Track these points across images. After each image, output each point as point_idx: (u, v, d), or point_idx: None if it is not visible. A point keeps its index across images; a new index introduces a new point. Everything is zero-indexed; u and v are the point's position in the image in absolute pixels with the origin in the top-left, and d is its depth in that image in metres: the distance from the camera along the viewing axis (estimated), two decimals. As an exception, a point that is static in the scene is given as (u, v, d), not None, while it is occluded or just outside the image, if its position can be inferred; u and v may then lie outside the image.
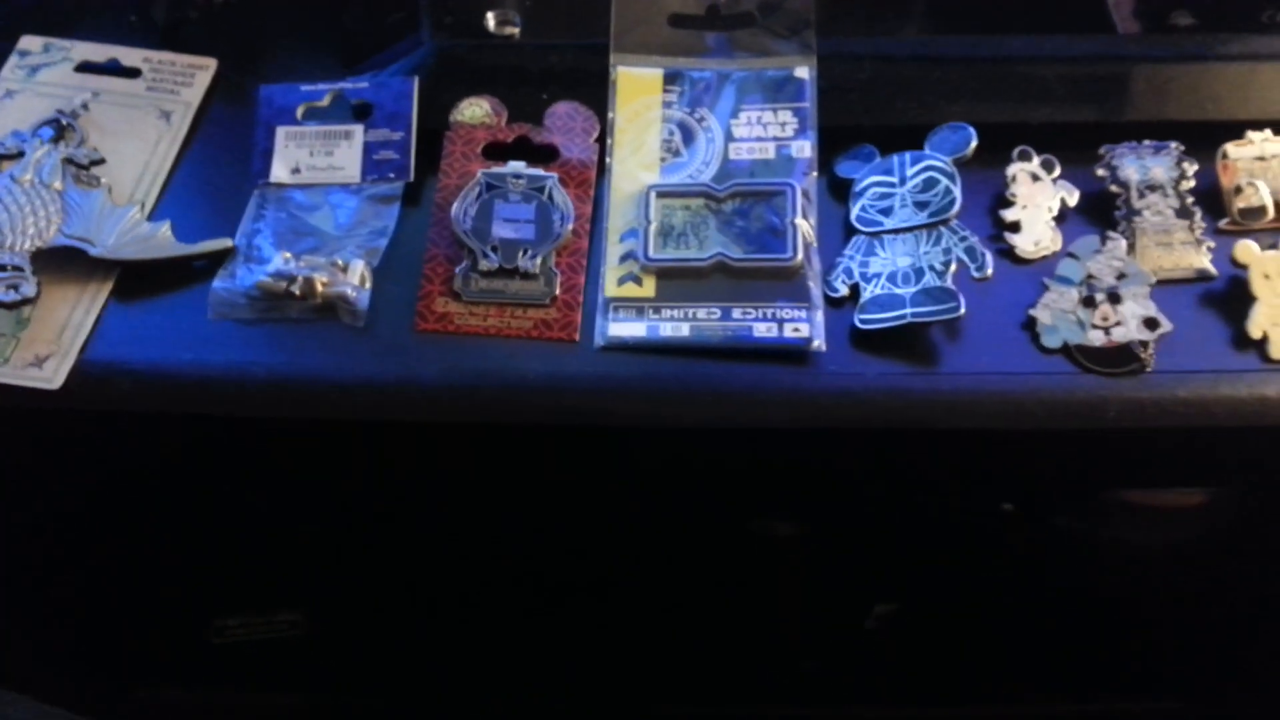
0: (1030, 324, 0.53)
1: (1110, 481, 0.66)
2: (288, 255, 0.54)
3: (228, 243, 0.55)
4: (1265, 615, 0.76)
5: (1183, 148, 0.57)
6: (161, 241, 0.55)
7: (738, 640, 0.84)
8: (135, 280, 0.54)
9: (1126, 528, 0.76)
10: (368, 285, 0.54)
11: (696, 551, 0.77)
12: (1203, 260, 0.54)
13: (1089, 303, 0.52)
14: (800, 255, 0.53)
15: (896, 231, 0.54)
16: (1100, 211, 0.56)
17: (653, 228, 0.55)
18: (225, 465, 0.61)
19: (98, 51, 0.62)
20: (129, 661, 0.81)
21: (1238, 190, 0.55)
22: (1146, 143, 0.57)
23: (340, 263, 0.54)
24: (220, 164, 0.59)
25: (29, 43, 0.62)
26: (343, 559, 0.79)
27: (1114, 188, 0.56)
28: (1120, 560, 0.78)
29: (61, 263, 0.54)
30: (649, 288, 0.54)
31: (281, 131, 0.58)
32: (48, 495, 0.69)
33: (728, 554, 0.78)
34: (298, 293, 0.53)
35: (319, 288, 0.53)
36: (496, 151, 0.58)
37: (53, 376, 0.51)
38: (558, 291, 0.54)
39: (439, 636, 0.82)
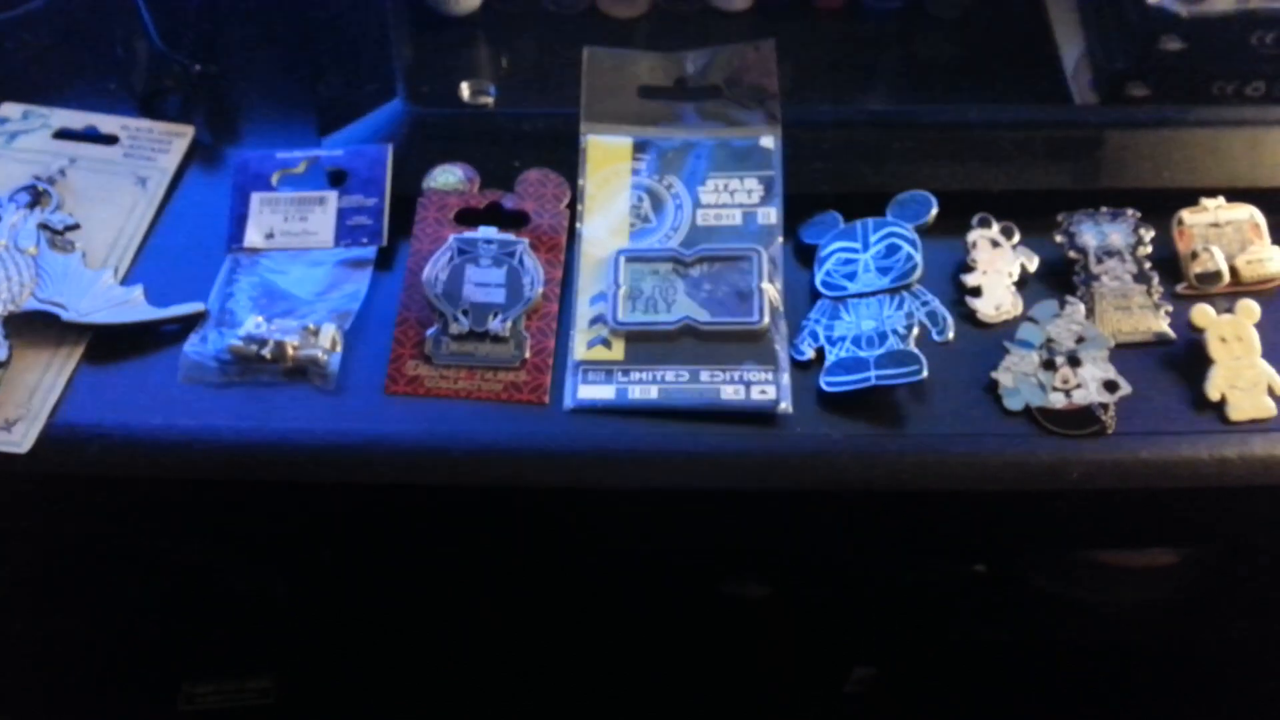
0: (992, 386, 0.53)
1: (1077, 542, 0.66)
2: (259, 319, 0.54)
3: (200, 307, 0.55)
4: (1234, 675, 0.76)
5: (1139, 214, 0.58)
6: (133, 305, 0.55)
7: (714, 706, 0.83)
8: (107, 344, 0.55)
9: (1099, 587, 0.76)
10: (339, 349, 0.54)
11: (669, 615, 0.76)
12: (1161, 324, 0.55)
13: (1049, 366, 0.53)
14: (767, 319, 0.54)
15: (860, 296, 0.55)
16: (1059, 277, 0.57)
17: (622, 292, 0.55)
18: (195, 529, 0.61)
19: (76, 119, 0.63)
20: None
21: (1193, 255, 0.56)
22: (1104, 210, 0.58)
23: (312, 326, 0.54)
24: (195, 229, 0.59)
25: (8, 110, 0.63)
26: (314, 624, 0.78)
27: (1072, 253, 0.57)
28: (1094, 619, 0.77)
29: (33, 327, 0.54)
30: (618, 351, 0.54)
31: (256, 197, 0.59)
32: (15, 560, 0.68)
33: (700, 618, 0.77)
34: (269, 356, 0.53)
35: (290, 351, 0.53)
36: (469, 217, 0.58)
37: (21, 440, 0.51)
38: (527, 354, 0.54)
39: (411, 704, 0.81)
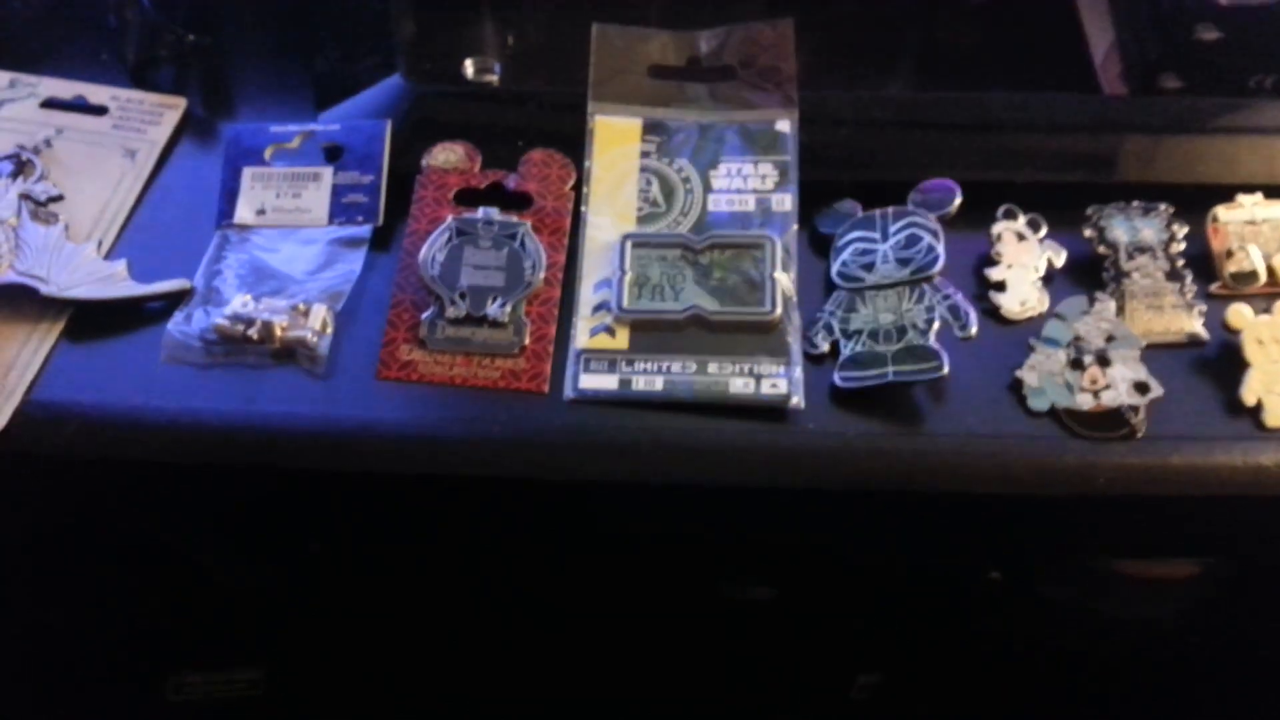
0: (1016, 386, 0.51)
1: (1100, 550, 0.64)
2: (247, 298, 0.52)
3: (185, 284, 0.53)
4: (1258, 691, 0.74)
5: (1172, 209, 0.56)
6: (116, 281, 0.53)
7: (715, 710, 0.81)
8: (87, 320, 0.53)
9: (1117, 598, 0.74)
10: (329, 331, 0.52)
11: (670, 616, 0.74)
12: (1194, 324, 0.53)
13: (1077, 365, 0.51)
14: (779, 310, 0.52)
15: (878, 287, 0.53)
16: (1088, 273, 0.55)
17: (628, 278, 0.53)
18: (177, 515, 0.59)
19: (65, 88, 0.61)
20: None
21: (1229, 254, 0.54)
22: (1135, 204, 0.56)
23: (301, 306, 0.52)
24: (183, 204, 0.57)
25: (-5, 77, 0.61)
26: (304, 615, 0.77)
27: (1102, 249, 0.55)
28: (1111, 632, 0.76)
29: (11, 300, 0.53)
30: (622, 340, 0.52)
31: (248, 172, 0.57)
32: (-5, 545, 0.66)
33: (703, 619, 0.75)
34: (255, 337, 0.51)
35: (278, 332, 0.51)
36: (469, 197, 0.56)
37: (-5, 418, 0.49)
38: (527, 341, 0.52)
39: (401, 697, 0.79)
